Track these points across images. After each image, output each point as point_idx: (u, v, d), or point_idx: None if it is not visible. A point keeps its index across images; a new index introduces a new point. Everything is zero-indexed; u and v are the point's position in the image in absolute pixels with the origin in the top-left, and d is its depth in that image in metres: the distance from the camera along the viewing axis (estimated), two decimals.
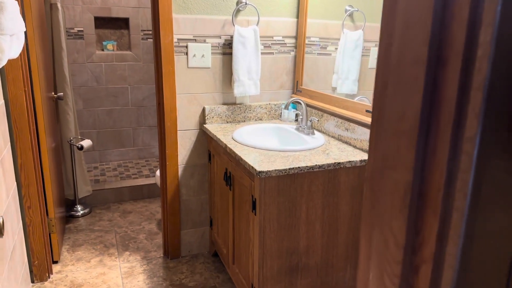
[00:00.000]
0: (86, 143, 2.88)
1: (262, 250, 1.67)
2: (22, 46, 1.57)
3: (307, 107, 2.22)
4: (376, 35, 1.97)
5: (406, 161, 0.45)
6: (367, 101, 1.99)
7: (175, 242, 2.45)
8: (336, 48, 2.21)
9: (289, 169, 1.60)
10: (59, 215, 2.53)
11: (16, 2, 1.46)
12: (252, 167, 1.60)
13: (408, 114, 0.44)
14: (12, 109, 1.92)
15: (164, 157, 2.32)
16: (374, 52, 2.04)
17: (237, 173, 1.85)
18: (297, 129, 2.13)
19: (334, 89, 2.23)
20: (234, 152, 1.81)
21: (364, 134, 1.82)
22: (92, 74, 3.89)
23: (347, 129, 1.94)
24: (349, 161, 1.70)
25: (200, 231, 2.50)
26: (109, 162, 4.15)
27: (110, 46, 3.92)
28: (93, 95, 3.94)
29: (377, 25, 1.99)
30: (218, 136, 2.05)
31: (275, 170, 1.57)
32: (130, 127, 4.16)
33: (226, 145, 1.92)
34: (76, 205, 3.02)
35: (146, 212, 3.10)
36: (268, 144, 2.13)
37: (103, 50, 3.94)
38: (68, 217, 2.98)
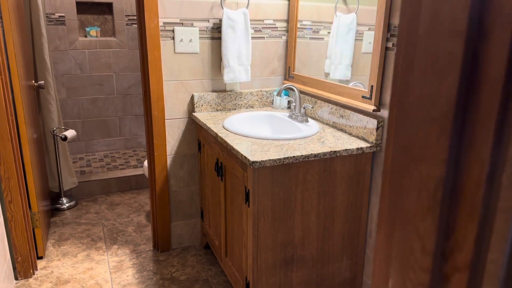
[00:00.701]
0: (70, 133, 2.77)
1: (256, 243, 1.61)
2: None
3: (300, 94, 2.14)
4: (369, 18, 1.90)
5: (437, 153, 0.38)
6: (362, 87, 1.93)
7: (165, 235, 2.37)
8: (329, 32, 2.13)
9: (284, 158, 1.53)
10: (43, 208, 2.43)
11: None
12: (245, 157, 1.53)
13: (441, 97, 0.37)
14: None
15: (151, 148, 2.23)
16: (367, 36, 1.97)
17: (229, 164, 1.78)
18: (290, 116, 2.05)
19: (327, 74, 2.16)
20: (225, 142, 1.73)
21: (359, 121, 1.75)
22: (75, 61, 3.75)
23: (342, 116, 1.87)
24: (345, 149, 1.63)
25: (191, 223, 2.43)
26: (95, 153, 4.03)
27: (93, 32, 3.78)
28: (76, 84, 3.80)
29: (371, 7, 1.91)
30: (208, 125, 1.97)
31: (269, 160, 1.50)
32: (116, 116, 4.04)
33: (217, 134, 1.84)
34: (61, 197, 2.92)
35: (134, 204, 3.01)
36: (261, 132, 2.06)
37: (86, 36, 3.79)
38: (53, 211, 2.88)
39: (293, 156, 1.54)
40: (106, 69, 3.87)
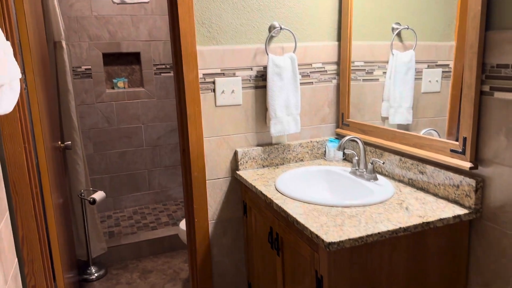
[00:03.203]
0: (99, 195, 2.53)
1: None
2: (17, 96, 1.22)
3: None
4: (428, 55, 1.64)
5: None
6: (436, 134, 1.63)
7: None
8: (384, 72, 1.88)
9: (367, 236, 1.21)
10: (70, 280, 2.15)
11: (9, 43, 1.13)
12: (316, 235, 1.22)
13: None
14: (9, 171, 1.58)
15: (191, 213, 1.95)
16: (427, 74, 1.70)
17: (289, 237, 1.47)
18: (354, 173, 1.75)
19: (384, 119, 1.89)
20: (285, 211, 1.43)
21: (448, 180, 1.43)
22: (103, 114, 3.58)
23: (421, 172, 1.55)
24: (440, 219, 1.31)
25: None
26: (123, 209, 3.78)
27: (121, 83, 3.63)
28: (104, 138, 3.62)
29: (430, 43, 1.66)
30: (258, 187, 1.69)
31: (349, 239, 1.19)
32: (145, 169, 3.81)
33: (271, 200, 1.54)
34: (89, 266, 2.64)
35: (169, 270, 2.70)
36: (325, 196, 1.76)
37: (113, 88, 3.65)
38: (81, 282, 2.60)
39: (378, 233, 1.22)
40: (135, 120, 3.69)
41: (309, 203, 1.47)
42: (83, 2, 3.35)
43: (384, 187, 1.57)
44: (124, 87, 3.65)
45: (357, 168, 1.74)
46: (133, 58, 3.68)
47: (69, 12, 3.32)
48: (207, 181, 1.93)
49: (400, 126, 1.76)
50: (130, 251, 2.85)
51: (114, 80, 3.63)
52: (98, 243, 2.68)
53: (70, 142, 2.34)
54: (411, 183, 1.61)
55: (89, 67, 3.48)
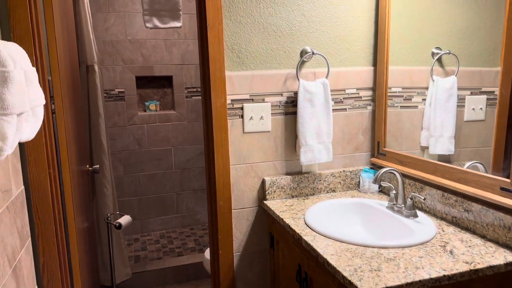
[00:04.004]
0: (125, 220, 2.49)
1: None
2: (40, 123, 1.19)
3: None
4: (472, 81, 1.52)
5: None
6: (482, 168, 1.48)
7: None
8: (424, 99, 1.76)
9: (407, 285, 1.08)
10: None
11: (34, 69, 1.10)
12: (349, 281, 1.10)
13: None
14: (33, 197, 1.56)
15: (216, 245, 1.86)
16: (470, 101, 1.57)
17: (319, 278, 1.35)
18: (391, 208, 1.62)
19: (424, 148, 1.76)
20: (315, 250, 1.32)
21: (498, 221, 1.28)
22: (134, 137, 3.60)
23: (467, 211, 1.41)
24: (490, 266, 1.16)
25: None
26: (151, 232, 3.74)
27: (152, 106, 3.65)
28: (134, 160, 3.63)
29: (473, 68, 1.53)
30: (286, 220, 1.58)
31: None
32: (173, 192, 3.78)
33: (300, 236, 1.43)
34: None
35: None
36: (359, 234, 1.64)
37: (145, 111, 3.67)
38: None
39: (420, 281, 1.09)
40: (165, 143, 3.69)
41: (341, 242, 1.35)
42: (118, 26, 3.42)
43: (425, 225, 1.43)
44: (156, 110, 3.67)
45: (395, 203, 1.61)
46: (165, 81, 3.70)
47: (104, 36, 3.39)
48: (233, 211, 1.84)
49: (441, 157, 1.63)
50: (155, 278, 2.78)
51: (146, 103, 3.66)
52: (123, 268, 2.63)
53: (98, 166, 2.33)
54: (455, 222, 1.46)
55: (122, 90, 3.52)
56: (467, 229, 1.41)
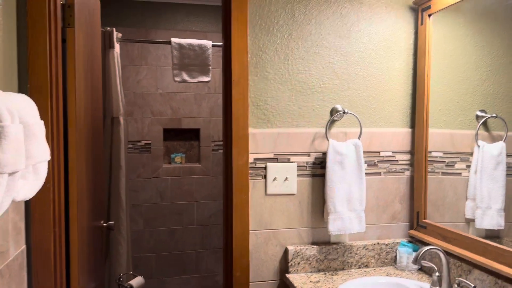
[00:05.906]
0: (137, 282, 2.31)
1: None
2: (42, 181, 1.09)
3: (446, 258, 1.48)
4: None
5: None
6: None
7: None
8: (468, 166, 1.57)
9: None
10: None
11: (41, 123, 1.01)
12: None
13: None
14: (34, 259, 1.43)
15: None
16: None
17: None
18: None
19: (469, 221, 1.55)
20: None
21: None
22: (157, 189, 3.51)
23: None
24: None
25: None
26: None
27: (178, 158, 3.58)
28: (155, 213, 3.51)
29: None
30: None
31: None
32: (193, 250, 3.59)
33: None
34: None
35: None
36: None
37: (170, 163, 3.60)
38: None
39: None
40: (188, 197, 3.57)
41: None
42: (149, 79, 3.45)
43: None
44: (181, 162, 3.59)
45: (438, 287, 1.37)
46: (193, 134, 3.65)
47: (135, 88, 3.42)
48: (250, 284, 1.64)
49: (489, 231, 1.43)
50: None
51: (172, 155, 3.60)
52: None
53: (113, 222, 2.21)
54: None
55: (149, 141, 3.49)
56: None
